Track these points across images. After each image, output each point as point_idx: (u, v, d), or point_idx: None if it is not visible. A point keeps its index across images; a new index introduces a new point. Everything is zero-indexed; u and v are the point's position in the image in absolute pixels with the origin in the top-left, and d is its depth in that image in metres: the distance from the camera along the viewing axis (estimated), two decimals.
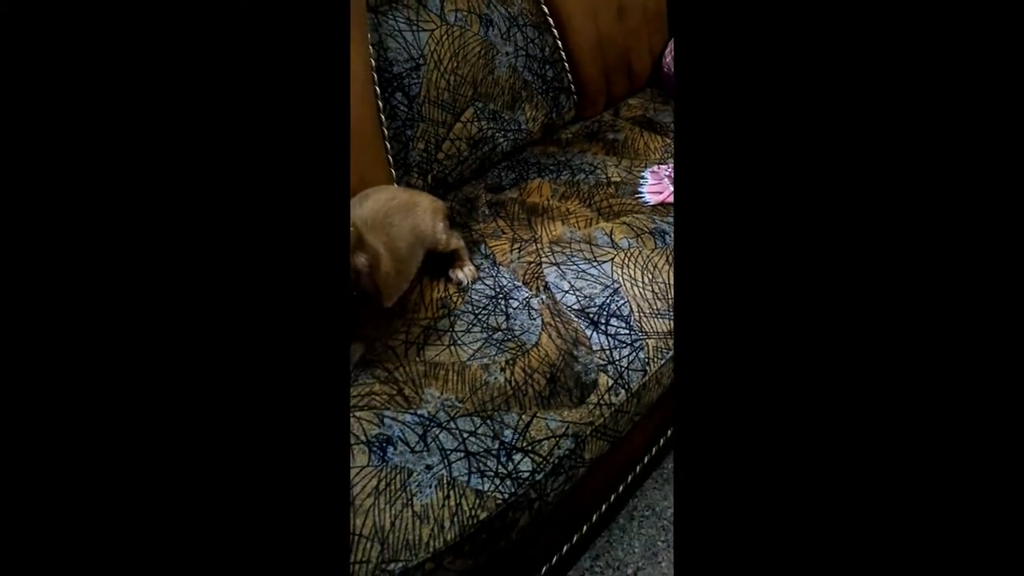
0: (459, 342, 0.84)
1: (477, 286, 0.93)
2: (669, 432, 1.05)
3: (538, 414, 0.77)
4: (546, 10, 1.33)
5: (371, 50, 1.07)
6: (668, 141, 1.32)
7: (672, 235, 1.02)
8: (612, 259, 0.97)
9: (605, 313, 0.89)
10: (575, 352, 0.84)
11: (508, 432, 0.74)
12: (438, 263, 0.96)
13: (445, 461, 0.70)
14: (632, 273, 0.95)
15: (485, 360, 0.81)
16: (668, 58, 1.54)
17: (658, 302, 0.92)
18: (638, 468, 1.01)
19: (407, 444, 0.71)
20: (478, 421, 0.74)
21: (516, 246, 1.01)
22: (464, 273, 0.94)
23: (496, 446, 0.73)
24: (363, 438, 0.71)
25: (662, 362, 0.89)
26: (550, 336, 0.85)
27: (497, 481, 0.71)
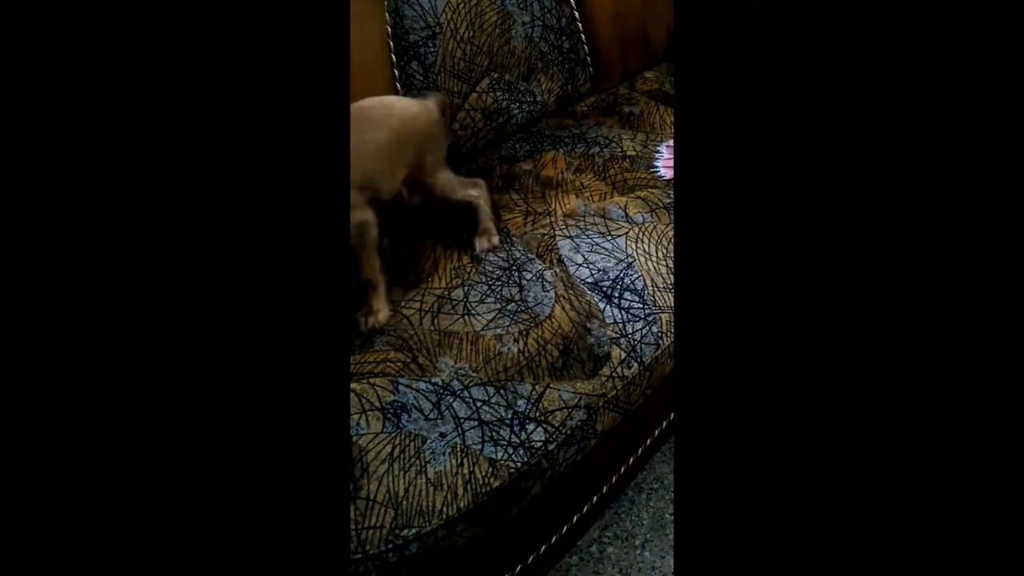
0: (473, 312, 0.84)
1: (490, 257, 0.93)
2: None
3: (551, 385, 0.77)
4: None
5: (387, 18, 1.06)
6: None
7: None
8: (626, 233, 0.97)
9: (619, 287, 0.89)
10: (588, 325, 0.84)
11: (521, 402, 0.75)
12: (457, 229, 0.96)
13: (459, 429, 0.71)
14: (646, 247, 0.95)
15: (499, 330, 0.81)
16: None
17: (672, 277, 0.92)
18: (648, 441, 1.01)
19: (421, 411, 0.72)
20: (491, 390, 0.75)
21: (530, 219, 1.01)
22: (492, 241, 0.95)
23: (509, 415, 0.73)
24: (378, 404, 0.72)
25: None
26: (563, 308, 0.85)
27: (510, 450, 0.71)
